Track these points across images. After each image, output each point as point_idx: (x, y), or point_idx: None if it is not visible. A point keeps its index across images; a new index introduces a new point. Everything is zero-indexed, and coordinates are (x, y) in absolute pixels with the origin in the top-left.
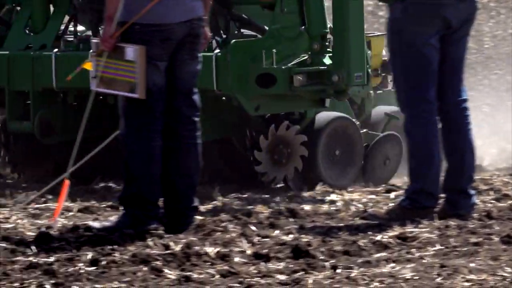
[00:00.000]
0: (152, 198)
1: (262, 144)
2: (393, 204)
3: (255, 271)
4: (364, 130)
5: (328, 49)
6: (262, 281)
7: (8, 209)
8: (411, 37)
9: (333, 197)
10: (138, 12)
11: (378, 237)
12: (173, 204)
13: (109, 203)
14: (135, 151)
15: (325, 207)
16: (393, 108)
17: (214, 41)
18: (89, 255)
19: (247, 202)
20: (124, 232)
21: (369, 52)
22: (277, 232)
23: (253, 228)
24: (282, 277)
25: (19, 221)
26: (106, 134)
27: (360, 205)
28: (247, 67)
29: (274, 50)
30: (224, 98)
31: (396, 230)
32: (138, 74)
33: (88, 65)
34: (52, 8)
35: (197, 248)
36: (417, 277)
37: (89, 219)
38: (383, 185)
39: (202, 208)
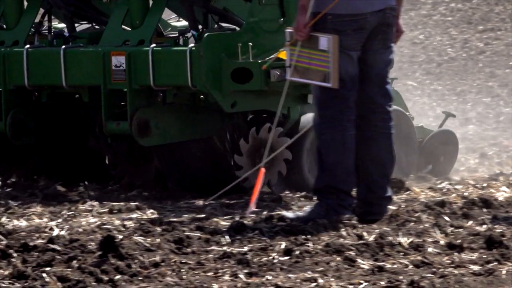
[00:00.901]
0: (346, 188)
1: (242, 148)
2: None
3: (448, 261)
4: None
5: None
6: (456, 271)
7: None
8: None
9: None
10: (331, 2)
11: None
12: (366, 194)
13: (303, 193)
14: (328, 141)
15: None
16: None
17: (190, 35)
18: (283, 245)
19: (440, 193)
20: (317, 222)
21: None
22: (470, 222)
23: (446, 218)
24: (475, 268)
25: (212, 211)
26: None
27: None
28: (221, 62)
29: (251, 44)
30: (202, 96)
31: None
32: (331, 63)
33: (283, 54)
34: (25, 3)
35: (390, 238)
36: None
37: (283, 209)
38: None
39: (396, 198)
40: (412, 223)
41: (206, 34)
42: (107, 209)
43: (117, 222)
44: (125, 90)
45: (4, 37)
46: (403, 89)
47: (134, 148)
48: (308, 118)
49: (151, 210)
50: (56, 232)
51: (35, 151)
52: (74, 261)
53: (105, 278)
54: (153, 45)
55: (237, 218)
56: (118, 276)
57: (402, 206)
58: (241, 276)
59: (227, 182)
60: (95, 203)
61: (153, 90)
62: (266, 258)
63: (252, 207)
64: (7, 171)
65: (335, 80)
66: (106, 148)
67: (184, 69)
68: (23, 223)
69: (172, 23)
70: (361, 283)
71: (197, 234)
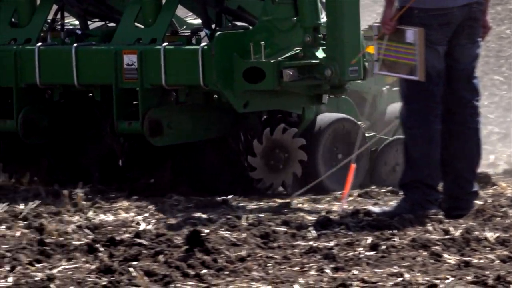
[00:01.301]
0: (432, 182)
1: (256, 149)
2: None
3: None
4: (372, 133)
5: (321, 42)
6: None
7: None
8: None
9: None
10: None
11: None
12: (453, 189)
13: (389, 188)
14: (416, 135)
15: None
16: None
17: (203, 34)
18: (369, 239)
19: None
20: (403, 217)
21: None
22: None
23: None
24: None
25: (299, 205)
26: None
27: None
28: (233, 61)
29: (263, 43)
30: (215, 95)
31: None
32: (418, 56)
33: (371, 49)
34: (38, 1)
35: (476, 233)
36: None
37: (369, 204)
38: None
39: (482, 193)
40: (498, 218)
41: (218, 33)
42: (193, 204)
43: (204, 217)
44: (137, 89)
45: (16, 34)
46: (490, 84)
47: (148, 149)
48: (323, 118)
49: (237, 205)
50: (142, 226)
51: (48, 150)
52: (161, 256)
53: (192, 272)
54: (165, 43)
55: (323, 213)
56: (204, 271)
57: (488, 201)
58: (327, 270)
59: (242, 183)
60: (181, 197)
61: (165, 89)
62: (352, 253)
63: (344, 203)
64: (20, 171)
65: (422, 73)
66: (119, 149)
67: (196, 68)
68: (110, 217)
69: (189, 21)
70: (447, 278)
71: (283, 228)
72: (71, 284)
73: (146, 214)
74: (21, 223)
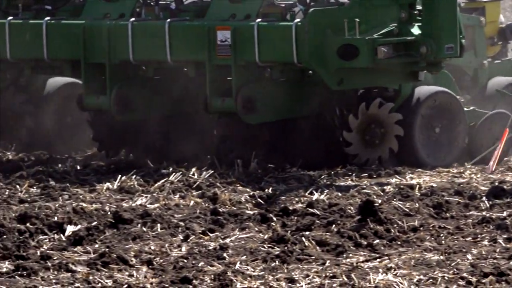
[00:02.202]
0: None
1: (352, 124)
2: None
3: None
4: (471, 107)
5: (417, 18)
6: None
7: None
8: None
9: None
10: None
11: None
12: None
13: None
14: None
15: None
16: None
17: (297, 10)
18: None
19: None
20: None
21: (482, 19)
22: None
23: None
24: None
25: (473, 175)
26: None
27: None
28: (327, 38)
29: (357, 20)
30: (310, 71)
31: None
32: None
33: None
34: None
35: None
36: None
37: None
38: None
39: None
40: None
41: (311, 9)
42: (366, 174)
43: (376, 187)
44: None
45: (110, 9)
46: None
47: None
48: (421, 90)
49: (410, 175)
50: (315, 196)
51: (143, 127)
52: (333, 226)
53: (364, 242)
54: (259, 20)
55: (496, 183)
56: (376, 241)
57: None
58: (500, 241)
59: (338, 158)
60: (354, 167)
61: (259, 66)
62: None
63: (492, 166)
64: (115, 148)
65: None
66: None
67: (290, 45)
68: (282, 187)
69: None
70: None
71: (456, 199)
72: (244, 254)
73: (320, 183)
74: (195, 193)
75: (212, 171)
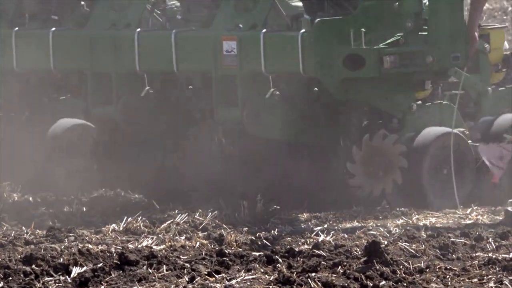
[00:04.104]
0: None
1: (355, 155)
2: None
3: None
4: (476, 144)
5: (423, 27)
6: None
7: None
8: None
9: None
10: None
11: None
12: None
13: None
14: None
15: None
16: None
17: (303, 20)
18: None
19: None
20: None
21: (487, 45)
22: None
23: None
24: None
25: (479, 217)
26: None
27: None
28: (332, 48)
29: (363, 30)
30: (316, 88)
31: None
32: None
33: None
34: None
35: None
36: None
37: None
38: None
39: None
40: None
41: (318, 19)
42: (372, 215)
43: (382, 229)
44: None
45: (116, 19)
46: None
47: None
48: (430, 131)
49: (416, 216)
50: (321, 237)
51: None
52: (339, 267)
53: (370, 283)
54: (264, 29)
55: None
56: (383, 282)
57: None
58: (506, 282)
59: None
60: (359, 208)
61: (264, 76)
62: None
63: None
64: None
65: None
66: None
67: (296, 54)
68: (288, 228)
69: (293, 3)
70: None
71: (462, 240)
72: None
73: (325, 225)
74: (201, 234)
75: (218, 212)
